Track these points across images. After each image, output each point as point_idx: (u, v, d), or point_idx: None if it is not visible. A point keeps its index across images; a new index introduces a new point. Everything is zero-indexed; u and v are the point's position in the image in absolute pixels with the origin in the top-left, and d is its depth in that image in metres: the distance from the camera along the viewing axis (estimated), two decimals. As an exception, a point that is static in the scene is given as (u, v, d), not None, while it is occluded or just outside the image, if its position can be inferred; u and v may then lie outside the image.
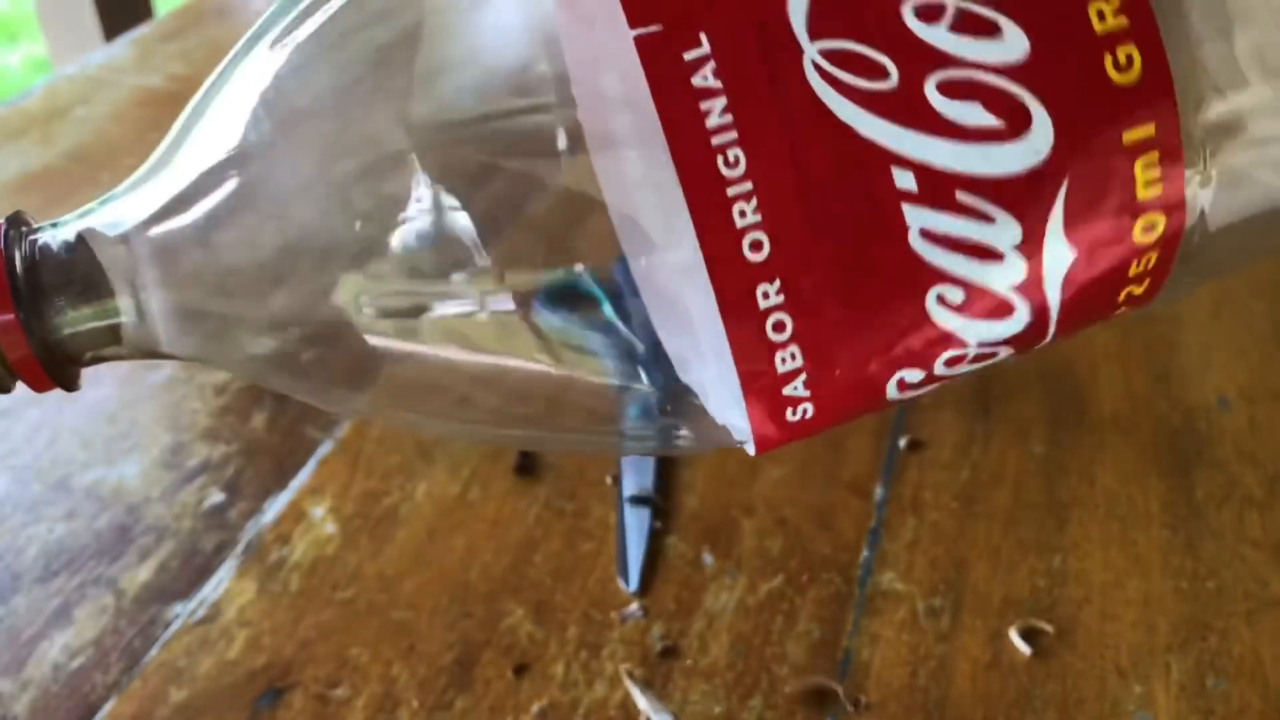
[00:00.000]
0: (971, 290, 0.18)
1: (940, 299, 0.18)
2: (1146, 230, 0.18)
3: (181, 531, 0.34)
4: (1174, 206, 0.17)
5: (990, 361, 0.20)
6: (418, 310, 0.21)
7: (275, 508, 0.35)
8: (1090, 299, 0.19)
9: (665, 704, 0.29)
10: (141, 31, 0.66)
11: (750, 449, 0.21)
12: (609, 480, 0.35)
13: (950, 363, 0.19)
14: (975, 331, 0.19)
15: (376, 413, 0.24)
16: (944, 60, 0.17)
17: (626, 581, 0.32)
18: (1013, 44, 0.17)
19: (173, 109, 0.58)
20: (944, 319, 0.18)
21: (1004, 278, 0.18)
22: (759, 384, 0.19)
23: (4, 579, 0.32)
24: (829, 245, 0.18)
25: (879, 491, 0.35)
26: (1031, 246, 0.18)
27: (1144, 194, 0.17)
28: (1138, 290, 0.19)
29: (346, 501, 0.35)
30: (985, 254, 0.18)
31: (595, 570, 0.33)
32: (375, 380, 0.22)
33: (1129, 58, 0.17)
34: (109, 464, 0.36)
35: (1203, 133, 0.17)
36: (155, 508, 0.35)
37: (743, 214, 0.17)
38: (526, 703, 0.29)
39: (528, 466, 0.36)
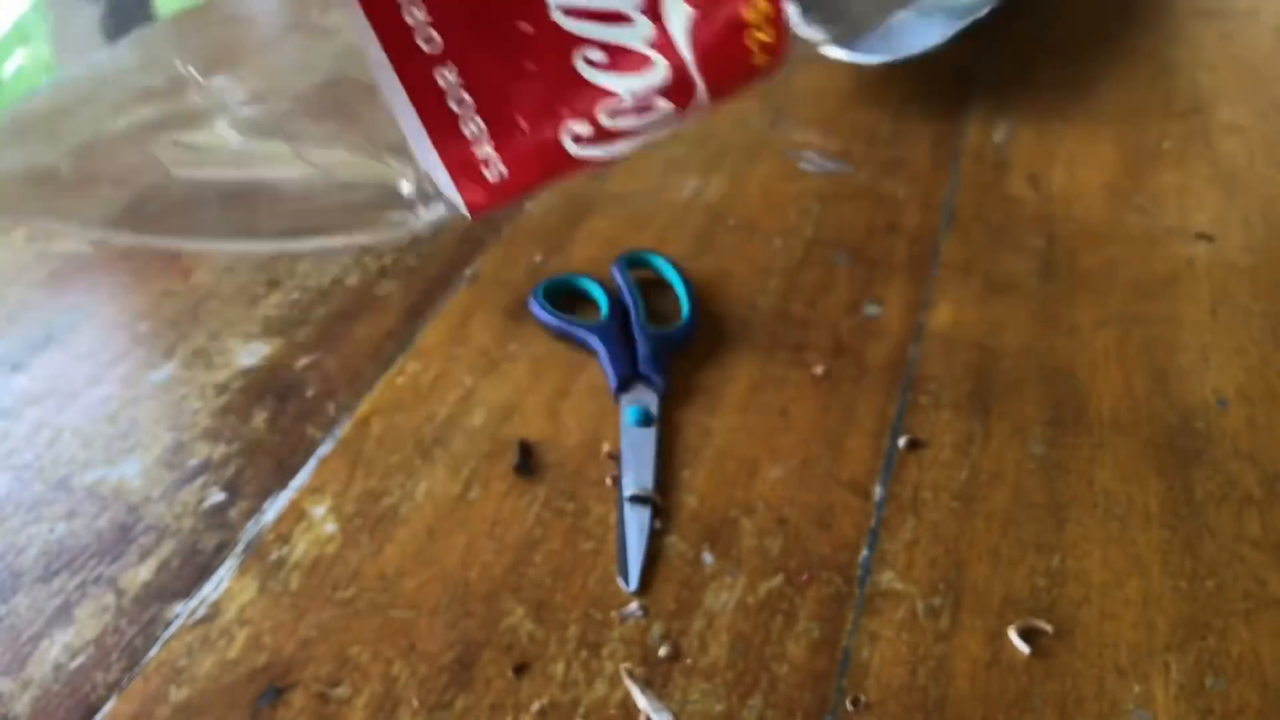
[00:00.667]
0: (610, 49, 0.23)
1: (587, 60, 0.23)
2: None
3: (182, 531, 0.34)
4: None
5: (655, 116, 0.24)
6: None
7: (275, 507, 0.35)
8: (721, 50, 0.23)
9: (665, 703, 0.29)
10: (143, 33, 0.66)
11: (465, 213, 0.25)
12: (609, 481, 0.36)
13: (613, 114, 0.24)
14: (623, 84, 0.23)
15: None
16: None
17: (626, 581, 0.32)
18: None
19: (175, 110, 0.58)
20: (593, 75, 0.23)
21: (636, 36, 0.23)
22: (454, 152, 0.23)
23: (5, 578, 0.33)
24: (489, 28, 0.22)
25: (878, 491, 0.35)
26: (653, 8, 0.22)
27: None
28: (765, 37, 0.23)
29: (346, 501, 0.35)
30: (616, 18, 0.22)
31: (595, 569, 0.33)
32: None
33: None
34: (110, 463, 0.36)
35: None
36: (156, 507, 0.35)
37: (413, 16, 0.22)
38: (527, 701, 0.29)
39: (527, 466, 0.36)
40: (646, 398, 0.38)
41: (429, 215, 0.27)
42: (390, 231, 0.29)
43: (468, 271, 0.45)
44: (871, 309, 0.43)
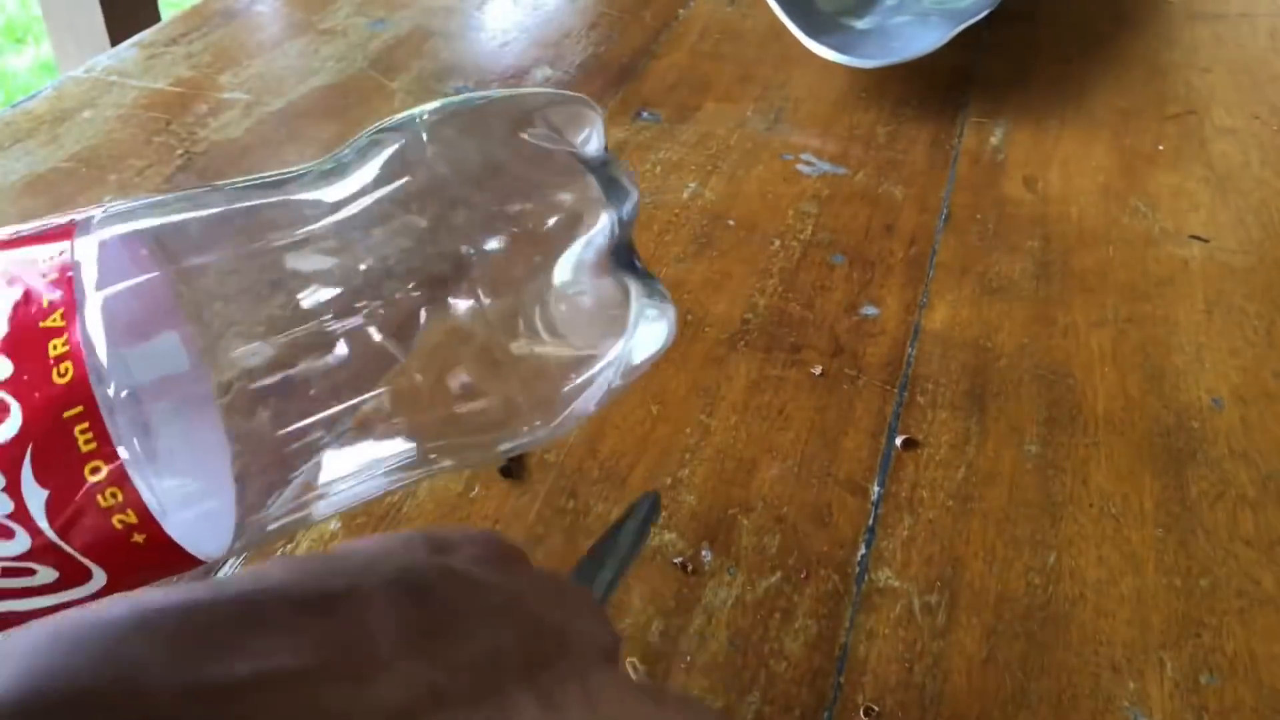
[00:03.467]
0: None
1: None
2: (94, 472, 0.24)
3: (187, 529, 0.34)
4: (110, 455, 0.24)
5: (40, 579, 0.25)
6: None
7: (279, 506, 0.35)
8: (86, 525, 0.25)
9: (664, 699, 0.29)
10: (147, 35, 0.66)
11: None
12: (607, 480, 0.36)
13: None
14: None
15: None
16: None
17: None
18: (11, 423, 0.24)
19: (178, 111, 0.59)
20: None
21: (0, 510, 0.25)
22: None
23: (12, 576, 0.33)
24: None
25: (875, 490, 0.36)
26: (14, 489, 0.24)
27: (85, 448, 0.24)
28: (130, 518, 0.24)
29: (350, 500, 0.35)
30: None
31: (595, 567, 0.33)
32: None
33: (66, 369, 0.24)
34: (115, 462, 0.37)
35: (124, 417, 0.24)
36: (161, 506, 0.35)
37: None
38: (527, 697, 0.30)
39: (511, 470, 0.36)
40: None
41: None
42: None
43: (469, 272, 0.45)
44: (869, 309, 0.44)
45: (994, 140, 0.56)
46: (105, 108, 0.57)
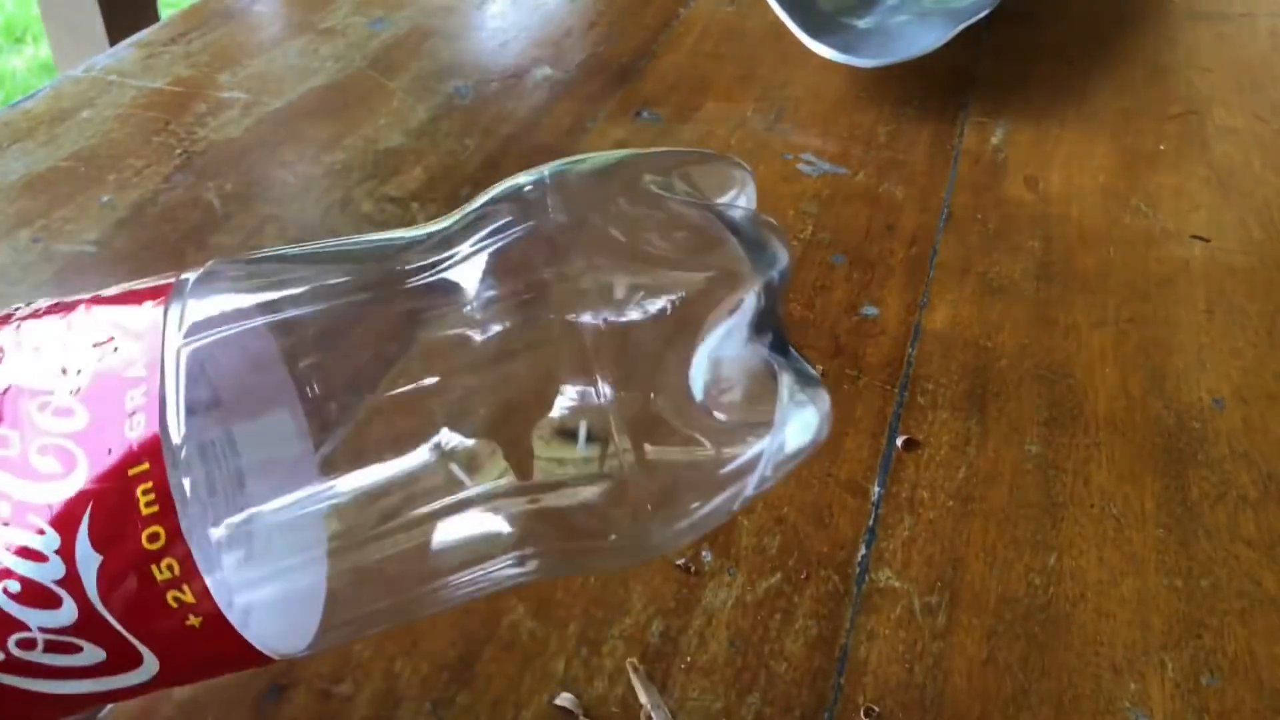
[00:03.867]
0: (25, 582, 0.23)
1: (4, 590, 0.23)
2: (153, 539, 0.22)
3: (185, 529, 0.34)
4: (170, 523, 0.22)
5: (85, 660, 0.23)
6: None
7: (278, 506, 0.35)
8: (137, 598, 0.22)
9: (664, 699, 0.29)
10: (145, 34, 0.66)
11: None
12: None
13: (23, 645, 0.23)
14: (33, 618, 0.23)
15: None
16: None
17: None
18: (76, 478, 0.22)
19: (177, 111, 0.58)
20: (5, 603, 0.23)
21: (48, 574, 0.22)
22: None
23: (10, 576, 0.33)
24: None
25: (876, 490, 0.36)
26: (68, 551, 0.22)
27: (145, 511, 0.22)
28: (186, 596, 0.22)
29: (349, 500, 0.35)
30: (34, 555, 0.22)
31: (595, 568, 0.33)
32: None
33: (138, 422, 0.22)
34: (114, 463, 0.36)
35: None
36: (159, 506, 0.35)
37: None
38: (528, 698, 0.29)
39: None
40: None
41: None
42: None
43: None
44: (869, 309, 0.43)
45: (995, 140, 0.56)
46: (104, 107, 0.57)
